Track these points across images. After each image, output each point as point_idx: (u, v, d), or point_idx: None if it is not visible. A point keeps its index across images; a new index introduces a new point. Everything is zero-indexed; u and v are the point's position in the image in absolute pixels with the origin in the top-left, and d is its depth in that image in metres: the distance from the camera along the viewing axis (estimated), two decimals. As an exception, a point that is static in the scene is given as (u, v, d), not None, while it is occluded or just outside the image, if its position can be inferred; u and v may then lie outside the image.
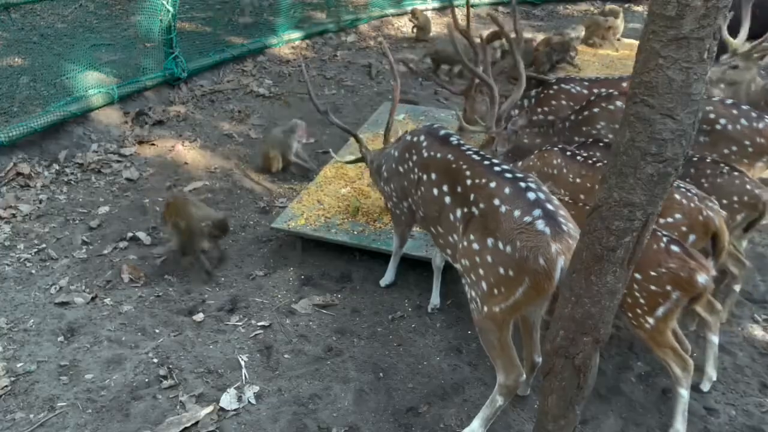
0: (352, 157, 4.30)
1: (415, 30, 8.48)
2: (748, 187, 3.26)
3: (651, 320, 2.76)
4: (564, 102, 4.46)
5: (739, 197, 3.22)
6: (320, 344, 3.52)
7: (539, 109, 4.54)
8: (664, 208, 2.95)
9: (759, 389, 3.26)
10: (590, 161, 3.39)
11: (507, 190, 2.63)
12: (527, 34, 6.99)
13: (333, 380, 3.27)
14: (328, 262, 4.22)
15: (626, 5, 9.81)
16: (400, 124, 5.60)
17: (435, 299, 3.78)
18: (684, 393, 2.85)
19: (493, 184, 2.69)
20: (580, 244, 1.99)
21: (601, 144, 3.70)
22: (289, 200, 4.81)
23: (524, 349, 3.05)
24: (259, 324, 3.65)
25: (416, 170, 3.19)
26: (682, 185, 3.07)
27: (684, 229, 2.98)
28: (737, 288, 3.56)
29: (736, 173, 3.31)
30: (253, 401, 3.12)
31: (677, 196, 3.00)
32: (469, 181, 2.81)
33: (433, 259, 3.73)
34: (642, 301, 2.75)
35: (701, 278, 2.66)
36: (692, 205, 2.98)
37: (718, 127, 3.66)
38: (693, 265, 2.67)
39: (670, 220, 2.99)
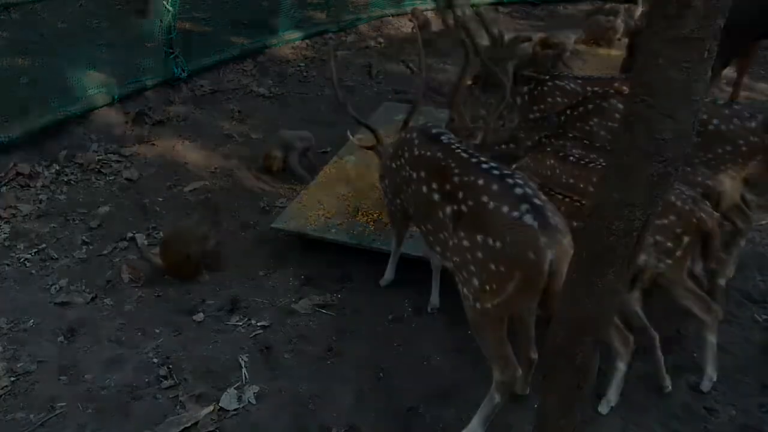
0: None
1: (415, 30, 8.47)
2: (699, 179, 3.33)
3: None
4: (559, 99, 4.48)
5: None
6: (320, 344, 3.52)
7: (534, 107, 4.56)
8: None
9: (759, 389, 3.26)
10: (582, 162, 3.42)
11: (494, 187, 2.68)
12: (527, 34, 6.98)
13: (333, 380, 3.27)
14: (328, 262, 4.22)
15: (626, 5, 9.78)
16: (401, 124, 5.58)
17: (435, 299, 3.78)
18: (621, 367, 3.04)
19: (480, 182, 2.74)
20: (581, 244, 1.99)
21: (572, 139, 3.74)
22: (289, 200, 4.81)
23: (520, 346, 3.05)
24: (259, 324, 3.65)
25: (407, 167, 3.23)
26: (676, 187, 3.08)
27: (678, 231, 2.99)
28: (722, 282, 3.56)
29: (687, 169, 3.34)
30: (253, 401, 3.12)
31: (672, 198, 3.01)
32: (456, 179, 2.85)
33: (432, 259, 3.73)
34: None
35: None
36: (687, 207, 3.00)
37: (710, 127, 3.65)
38: None
39: (665, 221, 3.00)
